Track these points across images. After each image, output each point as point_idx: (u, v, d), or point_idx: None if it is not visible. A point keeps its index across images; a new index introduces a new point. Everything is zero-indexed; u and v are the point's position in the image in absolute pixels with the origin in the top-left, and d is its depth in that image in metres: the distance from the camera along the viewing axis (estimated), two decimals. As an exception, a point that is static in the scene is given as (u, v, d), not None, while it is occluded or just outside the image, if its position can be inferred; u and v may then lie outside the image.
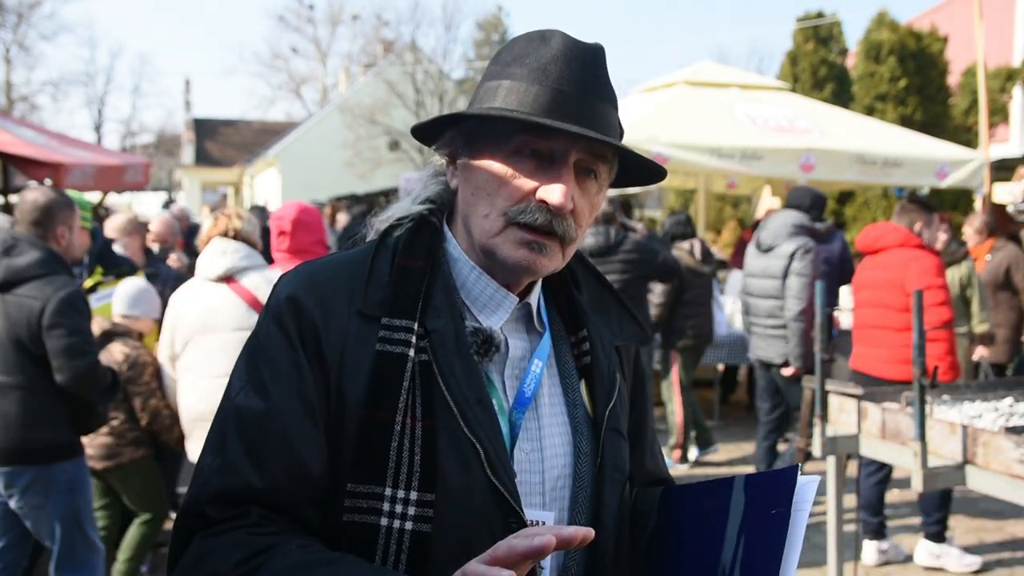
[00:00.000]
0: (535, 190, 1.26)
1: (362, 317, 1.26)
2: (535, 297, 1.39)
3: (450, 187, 1.38)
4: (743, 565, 1.18)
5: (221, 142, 41.92)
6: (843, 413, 4.02)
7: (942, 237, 6.40)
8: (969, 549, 5.33)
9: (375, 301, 1.27)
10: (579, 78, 1.26)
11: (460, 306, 1.32)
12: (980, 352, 6.81)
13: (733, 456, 7.48)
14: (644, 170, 1.38)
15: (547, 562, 1.28)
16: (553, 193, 1.24)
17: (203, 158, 40.44)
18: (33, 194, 3.76)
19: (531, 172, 1.26)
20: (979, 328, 6.60)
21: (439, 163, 1.41)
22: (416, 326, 1.25)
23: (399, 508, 1.19)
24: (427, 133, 1.37)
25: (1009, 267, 7.21)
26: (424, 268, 1.30)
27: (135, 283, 4.66)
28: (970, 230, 7.64)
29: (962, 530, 5.72)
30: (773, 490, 1.19)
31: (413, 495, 1.19)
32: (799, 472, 1.18)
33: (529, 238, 1.27)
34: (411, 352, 1.24)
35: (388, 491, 1.20)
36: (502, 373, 1.33)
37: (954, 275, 6.55)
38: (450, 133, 1.36)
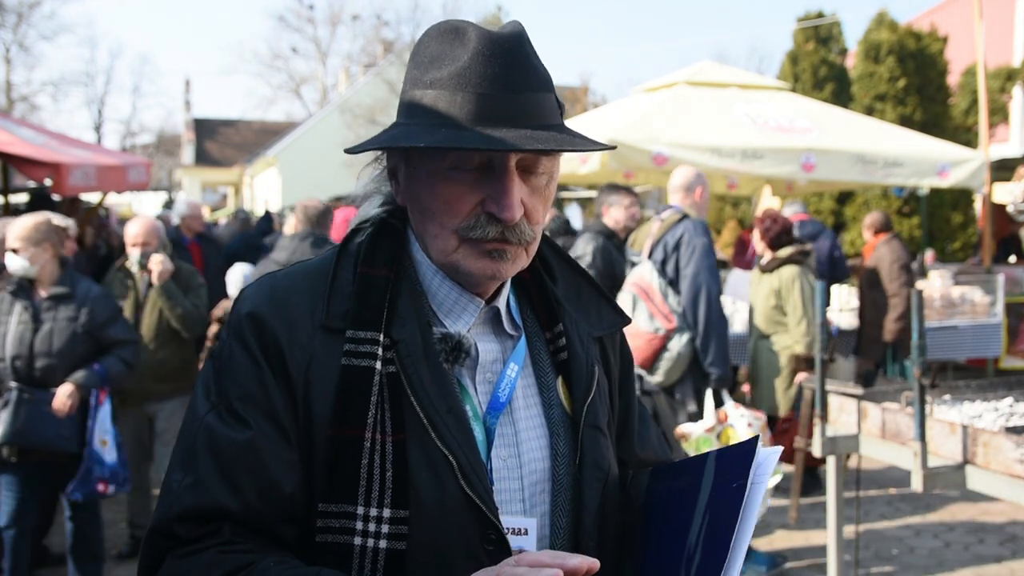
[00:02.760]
0: (481, 201, 1.21)
1: (326, 330, 1.22)
2: (503, 299, 1.34)
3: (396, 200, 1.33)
4: (704, 543, 1.14)
5: (221, 142, 41.94)
6: (843, 413, 4.02)
7: None
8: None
9: (338, 313, 1.23)
10: (503, 74, 1.18)
11: (427, 312, 1.28)
12: (800, 376, 5.73)
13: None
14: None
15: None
16: (501, 207, 1.19)
17: (203, 158, 40.46)
18: (313, 202, 5.34)
19: (473, 184, 1.21)
20: (798, 347, 5.77)
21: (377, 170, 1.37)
22: (382, 337, 1.21)
23: (372, 527, 1.16)
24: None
25: (876, 268, 7.23)
26: (388, 275, 1.26)
27: (242, 268, 5.83)
28: (864, 228, 7.70)
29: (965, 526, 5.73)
30: (736, 463, 1.16)
31: (386, 512, 1.16)
32: (759, 443, 1.15)
33: (488, 247, 1.23)
34: (378, 364, 1.20)
35: (360, 510, 1.16)
36: (474, 379, 1.28)
37: (772, 283, 5.99)
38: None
